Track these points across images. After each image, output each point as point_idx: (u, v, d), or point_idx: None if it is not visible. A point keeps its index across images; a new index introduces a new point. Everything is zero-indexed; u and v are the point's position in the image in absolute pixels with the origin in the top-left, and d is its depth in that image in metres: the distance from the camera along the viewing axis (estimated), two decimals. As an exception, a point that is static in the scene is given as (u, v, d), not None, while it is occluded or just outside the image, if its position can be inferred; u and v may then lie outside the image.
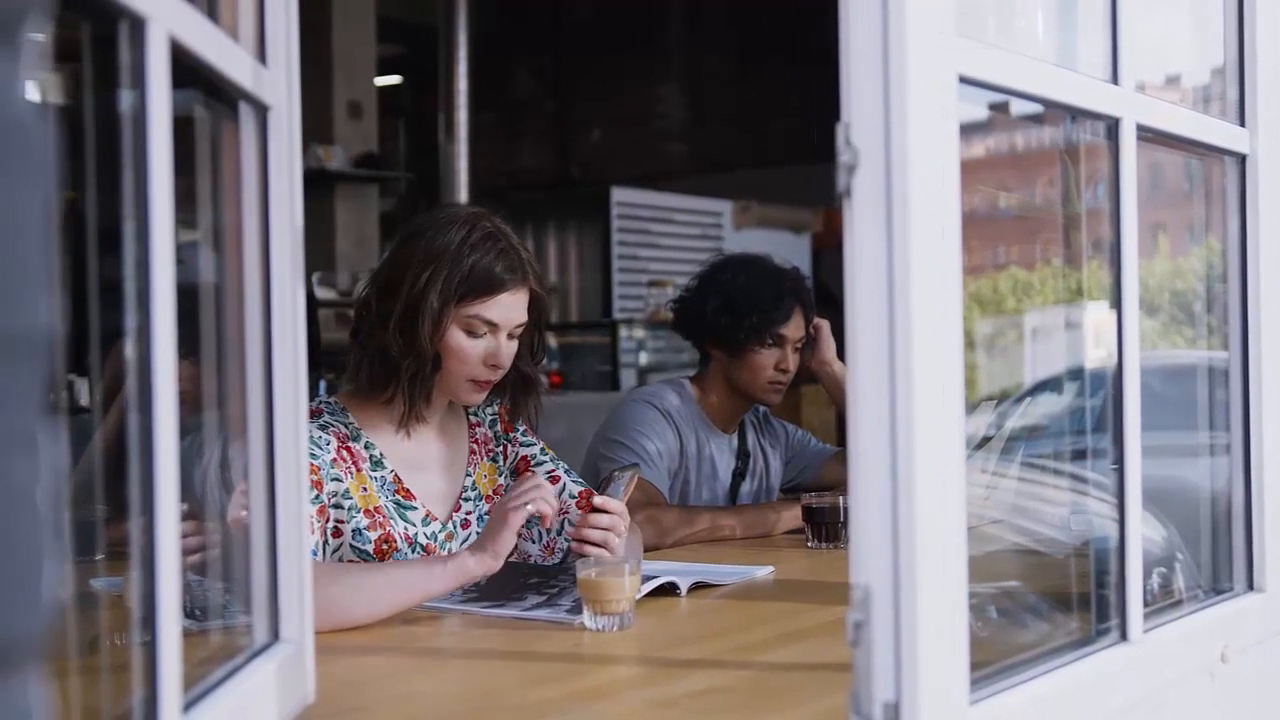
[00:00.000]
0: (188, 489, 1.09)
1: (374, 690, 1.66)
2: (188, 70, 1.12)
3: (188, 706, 1.10)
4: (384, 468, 2.26)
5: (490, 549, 2.00)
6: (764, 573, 2.40)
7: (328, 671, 1.51)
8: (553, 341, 7.66)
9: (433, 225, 2.24)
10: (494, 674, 1.72)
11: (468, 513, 2.36)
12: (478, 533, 2.32)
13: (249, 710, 1.26)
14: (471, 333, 2.23)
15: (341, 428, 2.24)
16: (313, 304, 4.35)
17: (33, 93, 0.61)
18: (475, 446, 2.41)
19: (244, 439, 1.39)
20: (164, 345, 1.03)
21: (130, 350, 1.02)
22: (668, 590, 2.15)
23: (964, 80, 1.29)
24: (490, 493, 2.40)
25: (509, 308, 2.24)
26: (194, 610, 1.34)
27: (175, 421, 1.04)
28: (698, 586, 2.23)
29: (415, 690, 1.67)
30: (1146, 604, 1.60)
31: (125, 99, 1.03)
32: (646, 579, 2.07)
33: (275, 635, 1.40)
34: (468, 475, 2.38)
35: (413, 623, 1.97)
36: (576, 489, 2.42)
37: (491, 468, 2.42)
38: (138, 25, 1.01)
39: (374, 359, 2.23)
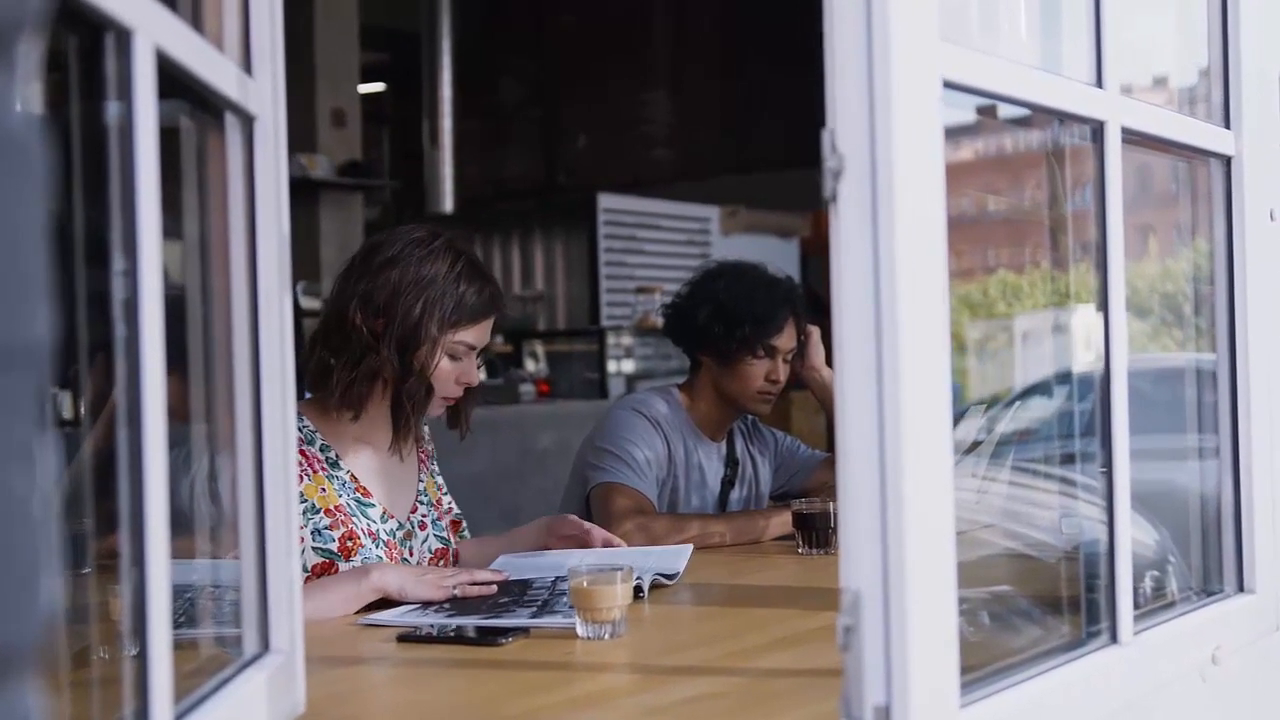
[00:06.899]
0: (175, 502, 1.09)
1: (364, 701, 1.66)
2: (172, 80, 1.12)
3: (179, 718, 1.10)
4: (341, 469, 2.33)
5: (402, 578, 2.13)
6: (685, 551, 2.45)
7: (317, 682, 1.51)
8: (540, 349, 7.65)
9: (408, 250, 2.31)
10: (486, 683, 1.71)
11: (423, 515, 2.46)
12: (434, 535, 2.45)
13: (240, 722, 1.26)
14: (453, 356, 2.34)
15: (295, 432, 2.27)
16: (297, 314, 4.39)
17: (28, 105, 0.61)
18: (423, 457, 2.52)
19: (231, 451, 1.39)
20: (152, 357, 1.03)
21: (118, 362, 1.02)
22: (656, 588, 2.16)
23: (948, 85, 1.29)
24: (434, 501, 2.50)
25: (488, 332, 2.38)
26: (179, 620, 1.34)
27: (164, 434, 1.04)
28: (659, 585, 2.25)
29: (405, 700, 1.67)
30: (1139, 607, 1.60)
31: (111, 109, 1.02)
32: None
33: (265, 646, 1.39)
34: (420, 481, 2.49)
35: (403, 634, 1.96)
36: (437, 545, 2.48)
37: (431, 482, 2.53)
38: (124, 36, 1.01)
39: (364, 379, 2.29)
